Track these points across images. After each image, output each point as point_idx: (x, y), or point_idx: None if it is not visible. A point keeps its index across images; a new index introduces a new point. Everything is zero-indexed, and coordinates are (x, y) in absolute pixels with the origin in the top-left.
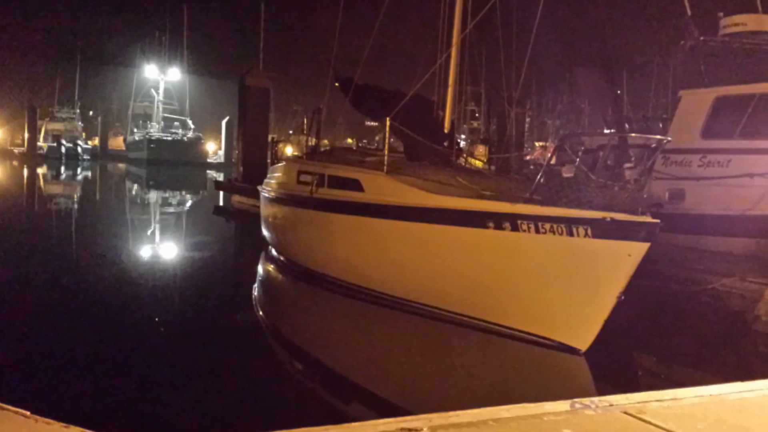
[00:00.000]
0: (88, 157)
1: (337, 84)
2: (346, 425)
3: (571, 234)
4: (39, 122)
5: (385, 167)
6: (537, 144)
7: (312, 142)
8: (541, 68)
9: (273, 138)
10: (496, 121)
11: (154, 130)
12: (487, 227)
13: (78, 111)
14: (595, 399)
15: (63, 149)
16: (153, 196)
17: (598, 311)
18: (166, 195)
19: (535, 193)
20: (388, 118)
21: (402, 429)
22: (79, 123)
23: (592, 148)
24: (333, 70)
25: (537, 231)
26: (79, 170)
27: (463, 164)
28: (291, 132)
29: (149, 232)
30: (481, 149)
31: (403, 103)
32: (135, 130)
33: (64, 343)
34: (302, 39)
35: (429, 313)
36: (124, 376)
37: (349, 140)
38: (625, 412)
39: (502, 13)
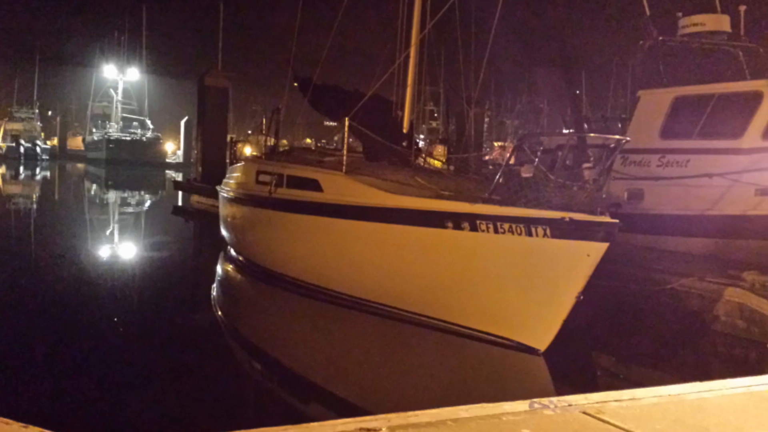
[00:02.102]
0: (47, 157)
1: (295, 84)
2: (305, 425)
3: (529, 234)
4: None
5: (343, 167)
6: (496, 144)
7: (271, 142)
8: (500, 68)
9: (232, 138)
10: (455, 121)
11: (113, 130)
12: (446, 227)
13: (37, 111)
14: (554, 399)
15: (22, 149)
16: (112, 196)
17: (557, 311)
18: (125, 195)
19: (494, 193)
20: (347, 118)
21: (361, 429)
22: (38, 123)
23: (551, 148)
24: (292, 70)
25: (496, 231)
26: (38, 170)
27: (422, 164)
28: (250, 132)
29: (108, 232)
30: (440, 149)
31: (362, 103)
32: (94, 130)
33: (23, 344)
34: (261, 39)
35: (388, 313)
36: (83, 376)
37: (308, 140)
38: (584, 412)
39: (461, 13)
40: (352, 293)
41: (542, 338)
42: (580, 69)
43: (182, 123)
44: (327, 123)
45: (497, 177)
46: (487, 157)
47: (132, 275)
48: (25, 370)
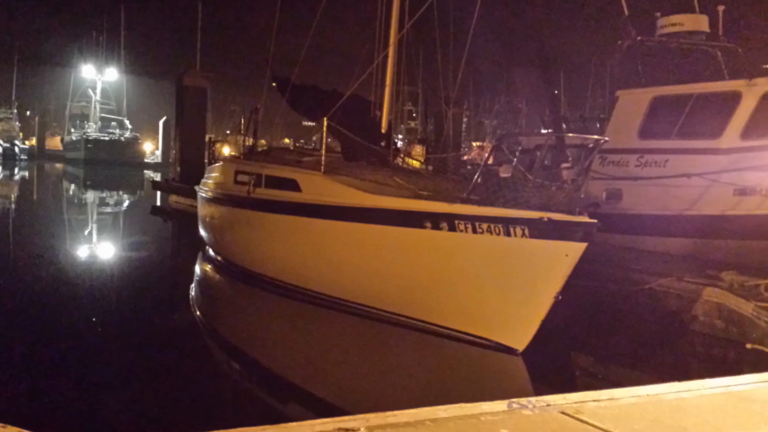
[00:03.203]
0: (26, 157)
1: (274, 84)
2: (283, 425)
3: (508, 234)
4: None
5: (322, 167)
6: (474, 144)
7: (249, 142)
8: (479, 68)
9: (210, 138)
10: (434, 121)
11: (92, 130)
12: (424, 227)
13: (15, 111)
14: (533, 399)
15: (0, 149)
16: (90, 196)
17: (535, 311)
18: (104, 195)
19: (473, 193)
20: (325, 118)
21: (339, 429)
22: (17, 123)
23: (529, 148)
24: (270, 70)
25: (474, 231)
26: (16, 170)
27: (401, 164)
28: (228, 132)
29: (86, 232)
30: (418, 149)
31: (341, 103)
32: (72, 130)
33: (1, 344)
34: (240, 39)
35: (366, 313)
36: (61, 376)
37: (287, 140)
38: (563, 412)
39: (440, 13)
40: (331, 293)
41: (521, 338)
42: (559, 69)
43: (161, 123)
44: (305, 123)
45: (476, 177)
46: (465, 157)
47: (110, 275)
48: (2, 370)
